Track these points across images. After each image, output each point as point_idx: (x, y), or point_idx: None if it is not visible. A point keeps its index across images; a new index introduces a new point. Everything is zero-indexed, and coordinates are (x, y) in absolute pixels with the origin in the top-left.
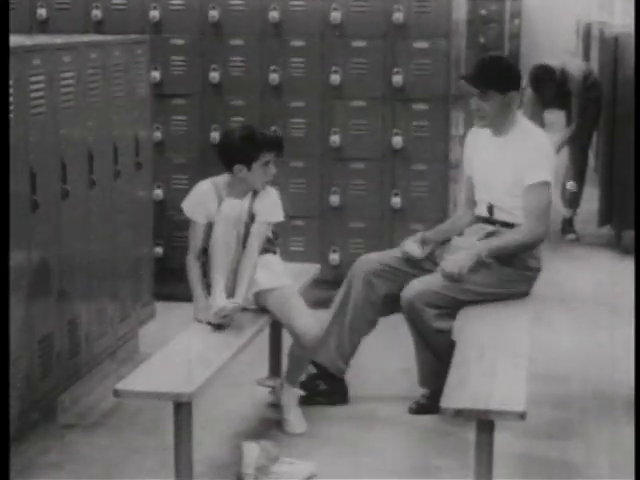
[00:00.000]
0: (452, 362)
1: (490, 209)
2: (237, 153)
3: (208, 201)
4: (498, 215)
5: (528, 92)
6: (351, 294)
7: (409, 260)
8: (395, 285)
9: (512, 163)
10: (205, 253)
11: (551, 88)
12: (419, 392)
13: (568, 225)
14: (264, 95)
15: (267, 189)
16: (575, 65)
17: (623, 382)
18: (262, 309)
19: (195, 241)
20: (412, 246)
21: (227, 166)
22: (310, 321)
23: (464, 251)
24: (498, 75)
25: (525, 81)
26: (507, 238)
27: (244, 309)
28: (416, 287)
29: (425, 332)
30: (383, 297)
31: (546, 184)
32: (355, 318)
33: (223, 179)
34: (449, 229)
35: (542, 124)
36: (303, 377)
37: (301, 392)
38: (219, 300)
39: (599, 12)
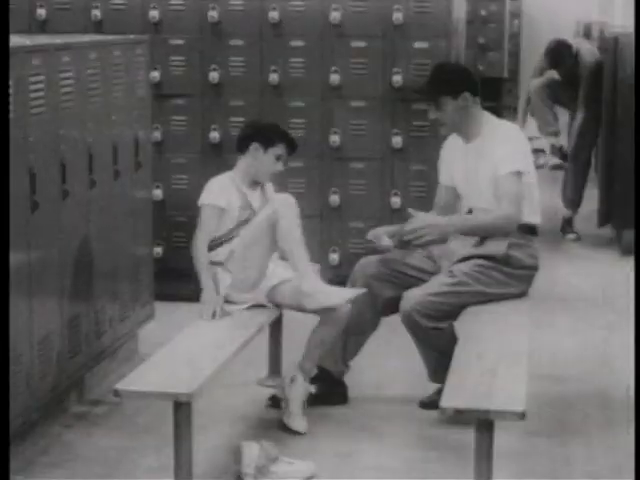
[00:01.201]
0: (452, 362)
1: (469, 212)
2: (259, 132)
3: (229, 190)
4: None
5: (533, 83)
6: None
7: (409, 262)
8: (395, 287)
9: (489, 164)
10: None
11: (566, 66)
12: (419, 392)
13: (568, 225)
14: (264, 95)
15: (269, 185)
16: (587, 49)
17: (623, 382)
18: (276, 305)
19: (209, 227)
20: (381, 236)
21: (244, 145)
22: (339, 293)
23: (434, 216)
24: (444, 80)
25: (541, 60)
26: (481, 218)
27: (259, 306)
28: (412, 297)
29: (426, 338)
30: (384, 300)
31: (517, 173)
32: (357, 321)
33: (234, 173)
34: None
35: (554, 116)
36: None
37: (312, 389)
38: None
39: (599, 12)
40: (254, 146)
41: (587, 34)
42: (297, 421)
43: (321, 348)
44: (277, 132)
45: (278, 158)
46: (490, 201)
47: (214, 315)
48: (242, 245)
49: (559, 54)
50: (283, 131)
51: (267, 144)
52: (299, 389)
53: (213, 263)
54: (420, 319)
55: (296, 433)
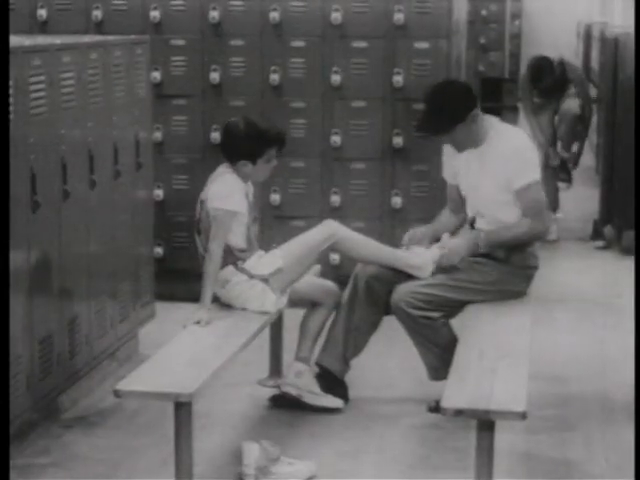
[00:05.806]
0: (452, 361)
1: (473, 221)
2: (243, 149)
3: (240, 192)
4: (480, 225)
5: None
6: (356, 297)
7: None
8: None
9: (494, 172)
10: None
11: (548, 81)
12: (420, 392)
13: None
14: (264, 95)
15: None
16: (573, 66)
17: (623, 382)
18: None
19: (226, 233)
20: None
21: (231, 161)
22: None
23: (461, 239)
24: (449, 113)
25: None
26: (508, 233)
27: None
28: (401, 289)
29: (418, 328)
30: (385, 300)
31: (536, 183)
32: (358, 320)
33: (234, 174)
34: (438, 229)
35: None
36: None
37: (316, 368)
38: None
39: (599, 13)
40: (242, 163)
41: (587, 35)
42: (329, 399)
43: (315, 334)
44: (260, 141)
45: (269, 160)
46: (493, 208)
47: (199, 323)
48: (294, 265)
49: (540, 70)
50: (266, 134)
51: (254, 158)
52: (309, 376)
53: (253, 277)
54: (408, 309)
55: (336, 410)
